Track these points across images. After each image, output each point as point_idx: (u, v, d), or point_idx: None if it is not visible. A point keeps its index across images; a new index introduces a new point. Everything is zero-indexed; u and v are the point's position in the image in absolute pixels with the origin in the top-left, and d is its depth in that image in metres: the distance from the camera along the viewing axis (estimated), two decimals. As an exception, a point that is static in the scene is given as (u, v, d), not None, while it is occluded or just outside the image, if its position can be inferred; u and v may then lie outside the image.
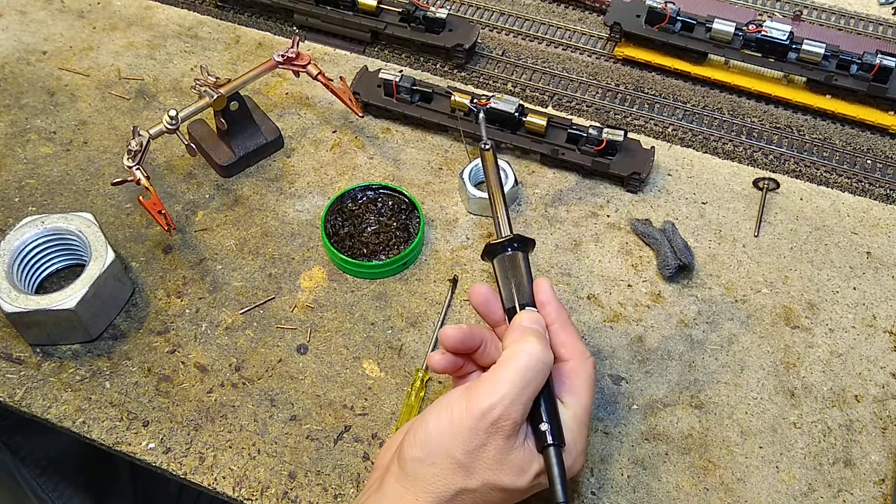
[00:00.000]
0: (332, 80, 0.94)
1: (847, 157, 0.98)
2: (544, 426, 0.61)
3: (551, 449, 0.60)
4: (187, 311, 0.85)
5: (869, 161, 0.97)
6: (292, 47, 0.93)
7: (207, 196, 0.94)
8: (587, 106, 1.03)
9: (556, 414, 0.62)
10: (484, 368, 0.66)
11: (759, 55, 1.01)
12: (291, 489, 0.73)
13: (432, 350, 0.82)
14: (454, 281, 0.87)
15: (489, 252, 0.70)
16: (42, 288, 0.85)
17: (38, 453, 1.01)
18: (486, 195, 0.90)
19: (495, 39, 1.12)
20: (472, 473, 0.59)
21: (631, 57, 1.07)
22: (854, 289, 0.87)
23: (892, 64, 0.96)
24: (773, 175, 0.96)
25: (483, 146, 0.75)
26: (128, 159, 0.84)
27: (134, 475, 1.07)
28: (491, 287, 0.69)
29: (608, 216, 0.93)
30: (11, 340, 0.82)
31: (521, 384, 0.59)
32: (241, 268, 0.88)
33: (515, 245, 0.69)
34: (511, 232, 0.70)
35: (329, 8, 1.08)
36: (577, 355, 0.65)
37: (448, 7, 1.15)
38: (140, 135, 0.84)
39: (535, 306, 0.67)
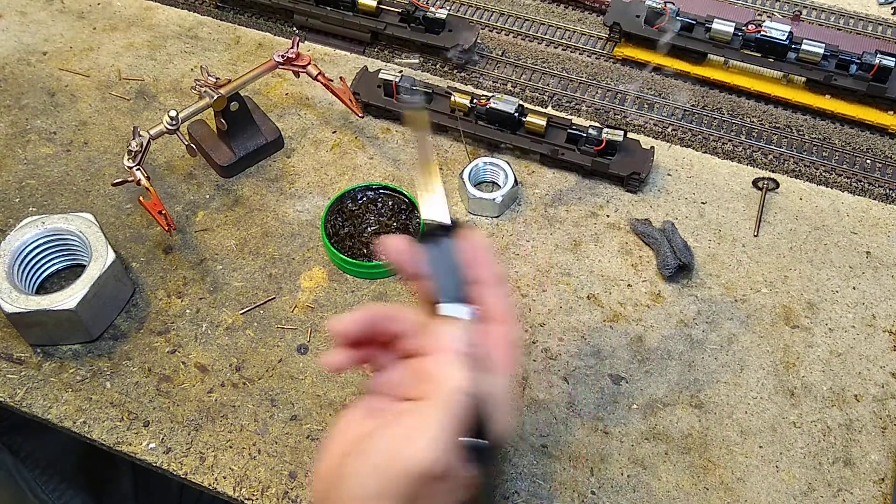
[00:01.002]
0: (332, 81, 0.94)
1: (846, 157, 0.98)
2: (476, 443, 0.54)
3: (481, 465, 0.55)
4: (188, 311, 0.85)
5: (868, 161, 0.97)
6: (292, 48, 0.93)
7: (208, 196, 0.94)
8: (587, 106, 1.03)
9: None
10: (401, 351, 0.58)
11: (759, 55, 1.02)
12: (292, 489, 0.73)
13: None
14: (454, 281, 0.86)
15: (425, 235, 0.59)
16: (43, 288, 0.86)
17: (38, 453, 1.01)
18: (486, 195, 0.91)
19: (495, 40, 1.12)
20: None
21: (631, 57, 1.07)
22: (854, 288, 0.87)
23: (892, 64, 0.96)
24: (772, 175, 0.96)
25: (408, 103, 0.63)
26: (128, 160, 0.84)
27: (135, 475, 1.07)
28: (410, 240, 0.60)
29: (608, 216, 0.93)
30: (12, 341, 0.82)
31: (450, 425, 0.51)
32: (241, 268, 0.88)
33: (446, 232, 0.60)
34: (447, 213, 0.60)
35: (329, 8, 1.08)
36: (502, 317, 0.58)
37: (448, 7, 1.15)
38: (140, 135, 0.85)
39: (465, 299, 0.58)
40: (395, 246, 0.58)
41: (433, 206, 0.60)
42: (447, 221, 0.59)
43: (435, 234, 0.59)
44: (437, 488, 0.52)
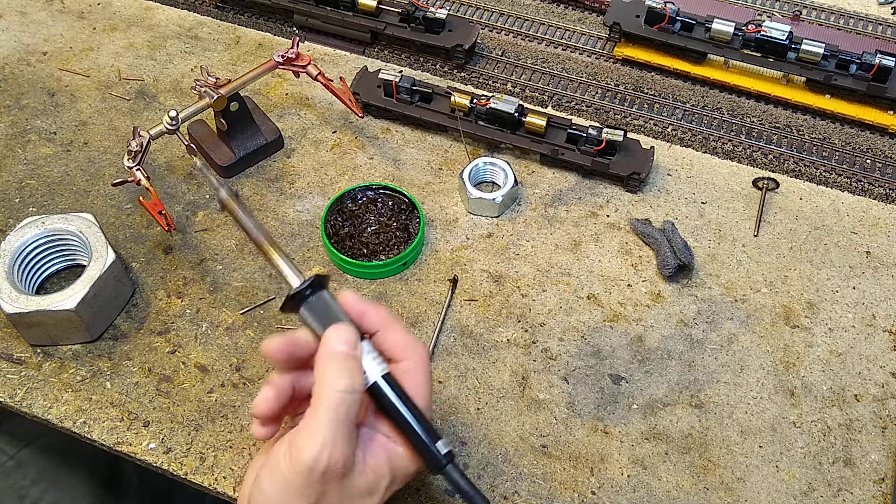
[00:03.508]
0: (331, 81, 0.94)
1: (846, 157, 0.98)
2: (436, 447, 0.59)
3: (449, 468, 0.59)
4: (188, 311, 0.85)
5: (868, 161, 0.97)
6: (292, 48, 0.93)
7: (208, 196, 0.94)
8: (587, 106, 1.03)
9: (430, 427, 0.60)
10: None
11: (759, 55, 1.02)
12: (292, 489, 0.73)
13: (432, 351, 0.82)
14: (454, 281, 0.87)
15: (293, 303, 0.62)
16: (43, 288, 0.86)
17: None
18: (486, 195, 0.91)
19: (495, 39, 1.12)
20: None
21: (630, 57, 1.07)
22: (853, 288, 0.87)
23: (892, 64, 0.96)
24: (772, 175, 0.96)
25: (220, 197, 0.64)
26: (128, 160, 0.84)
27: None
28: (284, 336, 0.63)
29: (608, 216, 0.93)
30: (12, 341, 0.82)
31: (336, 423, 0.57)
32: (241, 268, 0.88)
33: (314, 286, 0.62)
34: (303, 274, 0.63)
35: (329, 8, 1.08)
36: (411, 352, 0.62)
37: (448, 7, 1.15)
38: (140, 135, 0.85)
39: (363, 335, 0.62)
40: (279, 349, 0.63)
41: (290, 271, 0.62)
42: (299, 283, 0.61)
43: (300, 296, 0.61)
44: (343, 486, 0.57)
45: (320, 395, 0.58)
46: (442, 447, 0.59)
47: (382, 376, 0.60)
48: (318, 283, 0.63)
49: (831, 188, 0.96)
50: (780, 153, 0.98)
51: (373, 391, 0.60)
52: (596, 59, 1.09)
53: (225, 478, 0.74)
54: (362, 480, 0.59)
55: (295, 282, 0.62)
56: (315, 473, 0.56)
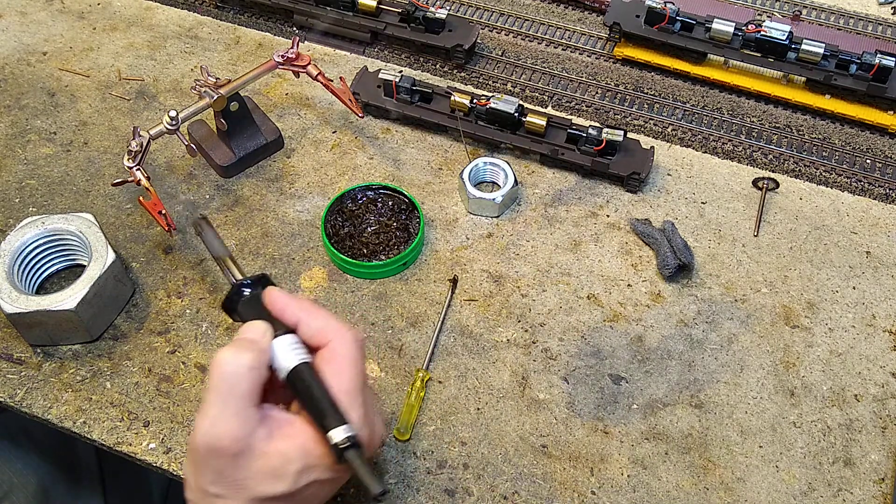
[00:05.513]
0: (331, 81, 0.94)
1: (846, 157, 0.98)
2: (331, 433, 0.57)
3: (349, 454, 0.57)
4: (188, 311, 0.85)
5: (868, 161, 0.97)
6: (292, 48, 0.93)
7: (208, 196, 0.94)
8: (587, 106, 1.03)
9: (335, 413, 0.58)
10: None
11: (759, 55, 1.02)
12: (292, 489, 0.73)
13: (432, 351, 0.82)
14: (454, 281, 0.87)
15: (229, 306, 0.66)
16: (43, 288, 0.86)
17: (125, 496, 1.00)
18: (486, 195, 0.91)
19: (495, 39, 1.12)
20: (228, 498, 0.58)
21: (630, 57, 1.07)
22: (853, 288, 0.87)
23: (892, 64, 0.96)
24: (772, 175, 0.96)
25: (197, 217, 0.72)
26: (128, 160, 0.84)
27: None
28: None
29: (608, 216, 0.93)
30: (12, 341, 0.82)
31: (221, 398, 0.58)
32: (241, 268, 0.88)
33: (250, 286, 0.66)
34: (241, 277, 0.67)
35: (329, 8, 1.08)
36: (334, 334, 0.63)
37: (448, 7, 1.15)
38: (140, 135, 0.85)
39: (290, 330, 0.64)
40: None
41: (233, 274, 0.68)
42: (239, 279, 0.67)
43: (238, 294, 0.66)
44: (240, 465, 0.58)
45: (210, 377, 0.59)
46: (340, 433, 0.57)
47: (298, 365, 0.61)
48: (253, 284, 0.66)
49: (831, 188, 0.96)
50: (780, 153, 0.98)
51: (289, 380, 0.61)
52: (596, 59, 1.09)
53: (225, 478, 0.74)
54: (264, 462, 0.58)
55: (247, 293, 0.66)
56: (205, 450, 0.57)
